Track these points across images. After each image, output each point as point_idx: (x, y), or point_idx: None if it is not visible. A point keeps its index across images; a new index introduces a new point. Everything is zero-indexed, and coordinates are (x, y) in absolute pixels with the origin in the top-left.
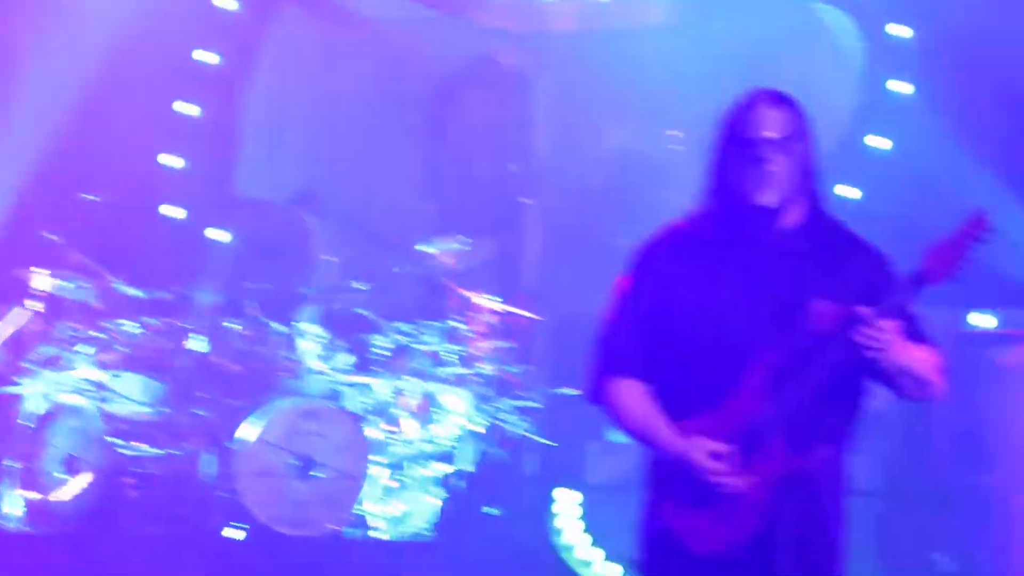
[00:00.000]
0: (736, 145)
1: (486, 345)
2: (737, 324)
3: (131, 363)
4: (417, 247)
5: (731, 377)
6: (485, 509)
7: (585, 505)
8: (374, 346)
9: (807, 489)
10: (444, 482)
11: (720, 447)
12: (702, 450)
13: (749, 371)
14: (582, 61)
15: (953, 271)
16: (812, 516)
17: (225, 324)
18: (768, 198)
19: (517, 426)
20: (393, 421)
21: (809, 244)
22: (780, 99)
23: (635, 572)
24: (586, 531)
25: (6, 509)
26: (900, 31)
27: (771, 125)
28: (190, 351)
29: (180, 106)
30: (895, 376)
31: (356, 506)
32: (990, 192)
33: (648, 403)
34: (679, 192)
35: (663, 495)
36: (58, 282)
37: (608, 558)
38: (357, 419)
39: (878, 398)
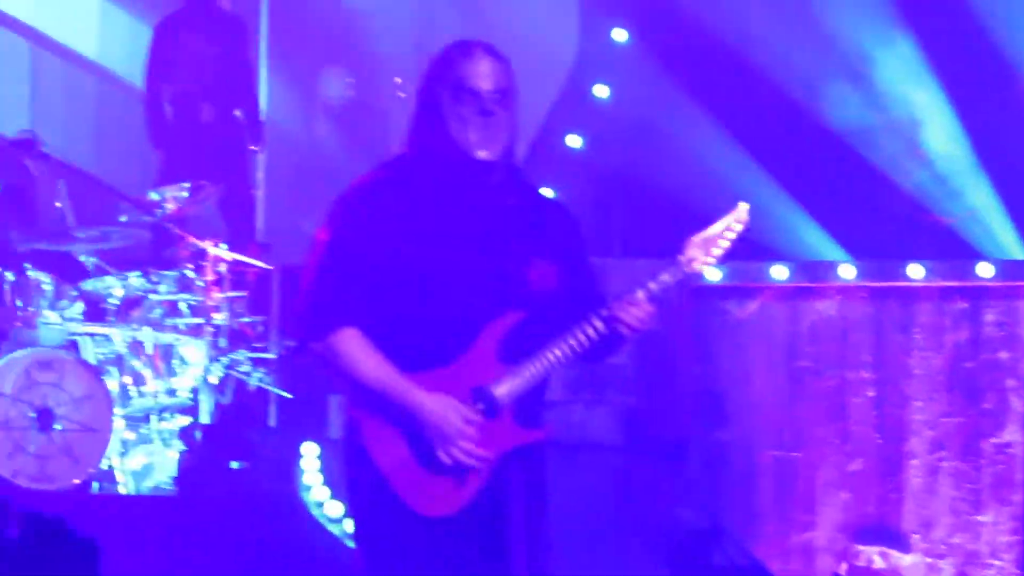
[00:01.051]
0: (458, 95)
1: (219, 295)
2: (462, 281)
3: None
4: (148, 195)
5: (457, 336)
6: (233, 464)
7: (324, 458)
8: (106, 295)
9: (533, 456)
10: (184, 435)
11: (473, 413)
12: (458, 413)
13: (484, 332)
14: (301, 7)
15: (713, 260)
16: (535, 483)
17: None
18: (490, 153)
19: (254, 378)
20: (131, 372)
21: (520, 201)
22: (496, 52)
23: (355, 531)
24: (325, 484)
25: None
26: None
27: (495, 78)
28: None
29: None
30: (620, 349)
31: (100, 460)
32: (708, 140)
33: (379, 355)
34: (399, 139)
35: (388, 452)
36: None
37: (347, 513)
38: (96, 370)
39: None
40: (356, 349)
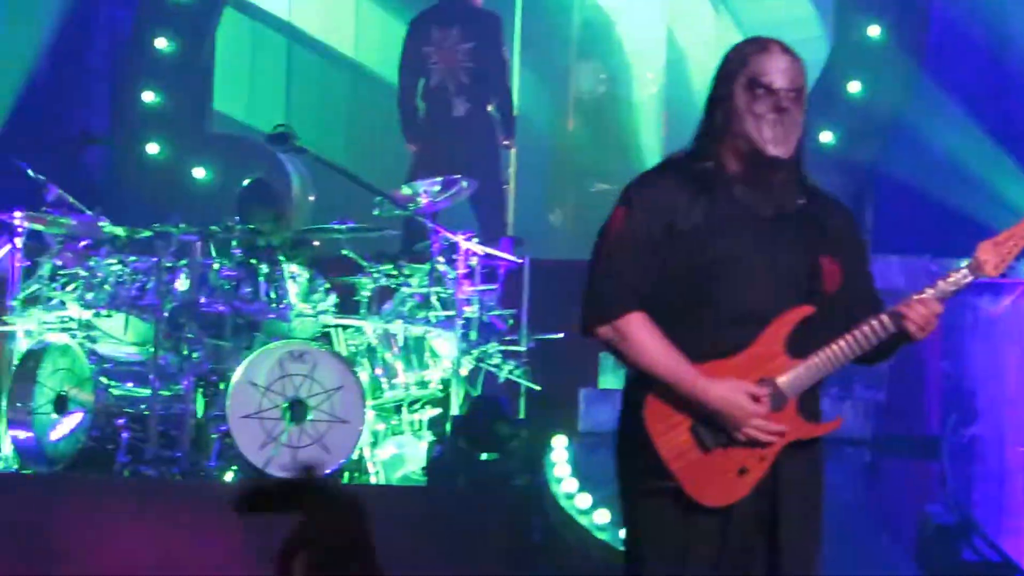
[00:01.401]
0: (753, 92)
1: (470, 288)
2: (751, 274)
3: (116, 302)
4: (401, 189)
5: (745, 328)
6: (483, 455)
7: (574, 451)
8: (359, 288)
9: (812, 451)
10: (434, 426)
11: (758, 390)
12: (744, 392)
13: (771, 325)
14: (554, 3)
15: (1001, 268)
16: (813, 478)
17: (208, 263)
18: (783, 150)
19: (504, 370)
20: (383, 364)
21: (808, 199)
22: (791, 50)
23: (627, 517)
24: (573, 476)
25: None
26: None
27: (791, 76)
28: (174, 290)
29: (159, 42)
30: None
31: (352, 450)
32: (963, 134)
33: (667, 340)
34: (654, 135)
35: (670, 439)
36: (42, 220)
37: (596, 504)
38: (347, 362)
39: None
40: (644, 333)
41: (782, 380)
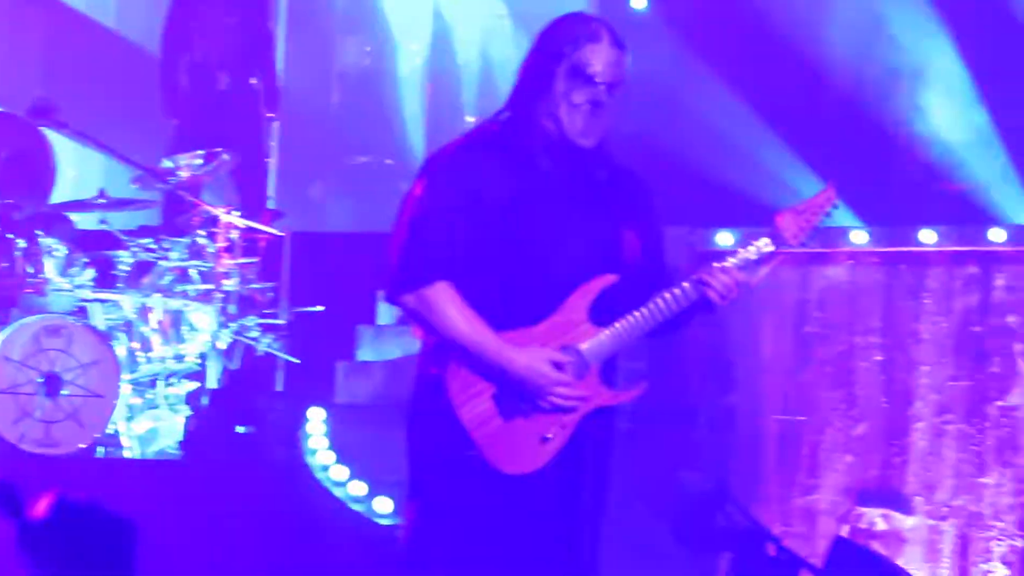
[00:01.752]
0: (574, 79)
1: (230, 261)
2: (555, 244)
3: None
4: (161, 162)
5: (548, 296)
6: (238, 428)
7: (330, 423)
8: (117, 262)
9: (608, 419)
10: (191, 400)
11: (562, 357)
12: (547, 359)
13: (575, 293)
14: None
15: (800, 237)
16: (608, 445)
17: None
18: (592, 141)
19: (263, 343)
20: (140, 338)
21: (609, 174)
22: (620, 40)
23: (424, 487)
24: (331, 449)
25: None
26: None
27: (615, 70)
28: None
29: None
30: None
31: (106, 425)
32: (723, 106)
33: (471, 310)
34: (417, 107)
35: (472, 408)
36: None
37: (353, 476)
38: (104, 336)
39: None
40: (449, 303)
41: (585, 347)
